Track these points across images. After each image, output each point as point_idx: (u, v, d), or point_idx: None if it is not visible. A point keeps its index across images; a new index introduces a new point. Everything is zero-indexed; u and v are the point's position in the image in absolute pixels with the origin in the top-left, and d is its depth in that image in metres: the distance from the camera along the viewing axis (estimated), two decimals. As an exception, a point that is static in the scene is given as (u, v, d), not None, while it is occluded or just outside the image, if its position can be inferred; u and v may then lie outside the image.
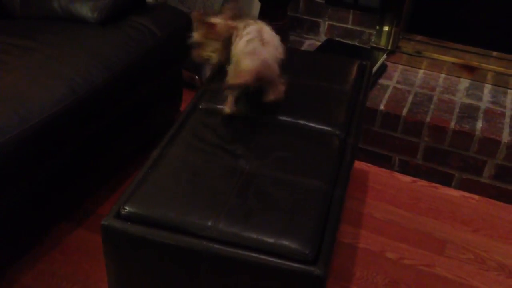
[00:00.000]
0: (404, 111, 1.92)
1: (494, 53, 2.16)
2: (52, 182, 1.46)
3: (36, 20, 1.68)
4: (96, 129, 1.54)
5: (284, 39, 2.25)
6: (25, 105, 1.28)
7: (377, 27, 2.22)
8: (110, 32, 1.63)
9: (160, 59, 1.76)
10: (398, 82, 2.09)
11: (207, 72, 2.37)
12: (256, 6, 2.38)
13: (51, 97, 1.34)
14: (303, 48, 2.30)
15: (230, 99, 1.36)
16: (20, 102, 1.28)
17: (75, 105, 1.38)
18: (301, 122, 1.39)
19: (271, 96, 1.34)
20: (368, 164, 2.02)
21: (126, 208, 1.06)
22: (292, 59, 1.68)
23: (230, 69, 1.30)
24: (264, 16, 2.17)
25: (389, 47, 2.22)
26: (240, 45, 1.27)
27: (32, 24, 1.65)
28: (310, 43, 2.34)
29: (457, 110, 1.95)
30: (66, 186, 1.54)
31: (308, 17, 2.35)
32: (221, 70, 1.59)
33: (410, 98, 2.00)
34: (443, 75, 2.16)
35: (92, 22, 1.65)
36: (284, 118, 1.39)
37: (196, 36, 1.34)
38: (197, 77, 2.34)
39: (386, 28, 2.21)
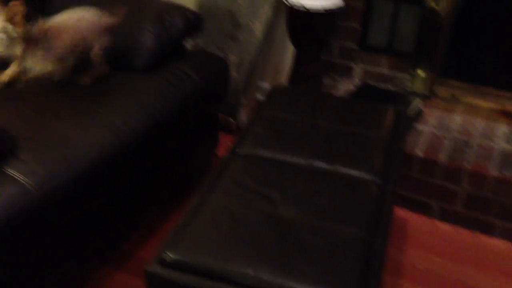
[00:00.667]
0: (442, 157, 1.90)
1: (533, 99, 2.13)
2: (92, 224, 1.48)
3: (82, 67, 1.75)
4: (136, 172, 1.57)
5: (317, 83, 2.28)
6: (73, 151, 1.32)
7: (412, 72, 2.23)
8: (152, 79, 1.68)
9: (199, 104, 1.80)
10: (434, 127, 2.08)
11: (243, 115, 2.41)
12: (290, 50, 2.42)
13: (97, 143, 1.38)
14: (336, 92, 2.32)
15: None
16: (67, 148, 1.32)
17: (118, 151, 1.42)
18: (339, 168, 1.39)
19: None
20: (406, 211, 1.99)
21: (169, 254, 1.07)
22: (327, 105, 1.71)
23: None
24: (298, 60, 2.21)
25: (424, 92, 2.22)
26: None
27: (78, 71, 1.72)
28: (344, 87, 2.36)
29: (496, 156, 1.91)
30: (105, 227, 1.56)
31: (341, 61, 2.37)
32: (260, 116, 1.63)
33: (447, 144, 1.98)
34: (480, 121, 2.13)
35: (134, 69, 1.70)
36: (321, 164, 1.40)
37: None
38: (232, 120, 2.37)
39: (420, 73, 2.21)
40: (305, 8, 1.98)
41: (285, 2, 2.04)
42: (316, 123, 1.58)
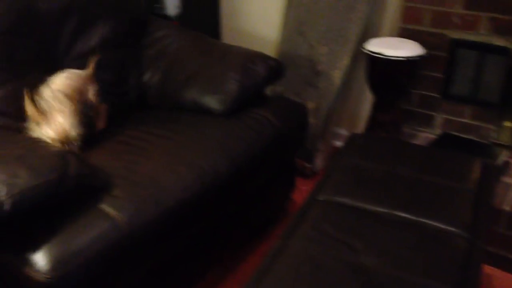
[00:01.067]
0: (532, 213, 1.79)
1: None
2: (173, 262, 1.53)
3: (170, 110, 1.85)
4: (216, 214, 1.61)
5: (396, 131, 2.26)
6: (160, 190, 1.38)
7: (497, 123, 2.15)
8: (233, 123, 1.74)
9: (279, 149, 1.83)
10: (523, 181, 1.97)
11: (319, 161, 2.41)
12: (368, 97, 2.42)
13: (182, 183, 1.43)
14: (415, 141, 2.27)
15: None
16: (155, 187, 1.39)
17: (202, 192, 1.47)
18: (423, 220, 1.35)
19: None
20: (492, 268, 1.88)
21: (251, 298, 1.08)
22: (407, 153, 1.68)
23: None
24: (376, 107, 2.21)
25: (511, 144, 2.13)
26: None
27: (167, 114, 1.82)
28: (424, 136, 2.32)
29: None
30: (184, 266, 1.60)
31: (421, 110, 2.34)
32: (339, 163, 1.63)
33: (538, 199, 1.87)
34: None
35: (218, 113, 1.77)
36: (405, 214, 1.37)
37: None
38: (308, 165, 2.38)
39: (507, 124, 2.13)
40: (386, 56, 1.99)
41: (365, 50, 2.06)
42: (396, 171, 1.56)
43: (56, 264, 1.14)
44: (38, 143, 1.38)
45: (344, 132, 2.63)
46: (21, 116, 1.59)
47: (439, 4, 2.15)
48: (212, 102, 1.78)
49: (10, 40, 1.58)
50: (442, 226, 1.32)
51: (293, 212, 2.17)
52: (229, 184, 1.58)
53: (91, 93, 1.64)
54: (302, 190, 2.29)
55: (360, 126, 2.53)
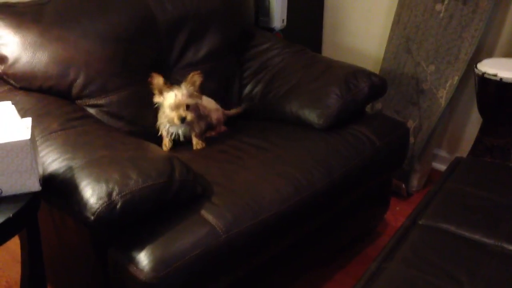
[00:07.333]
0: None
1: None
2: (260, 272, 1.53)
3: (270, 122, 1.87)
4: (308, 227, 1.60)
5: (503, 157, 2.11)
6: (257, 201, 1.40)
7: None
8: (332, 138, 1.72)
9: (376, 167, 1.78)
10: None
11: (415, 181, 2.32)
12: (474, 119, 2.30)
13: (279, 195, 1.44)
14: (526, 169, 2.11)
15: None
16: (253, 197, 1.40)
17: (298, 205, 1.47)
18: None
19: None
20: None
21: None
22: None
23: None
24: (483, 130, 2.08)
25: None
26: None
27: (266, 125, 1.84)
28: (535, 164, 2.15)
29: None
30: (270, 278, 1.61)
31: (534, 136, 2.17)
32: (443, 187, 1.55)
33: None
34: None
35: (317, 128, 1.76)
36: (516, 248, 1.28)
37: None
38: (403, 186, 2.30)
39: None
40: (500, 78, 1.87)
41: (477, 71, 1.95)
42: (505, 201, 1.46)
43: (158, 264, 1.19)
44: (146, 145, 1.45)
45: (443, 154, 2.51)
46: (134, 120, 1.69)
47: (563, 23, 1.99)
48: (312, 115, 1.77)
49: (128, 47, 1.69)
50: (560, 266, 1.21)
51: (383, 232, 2.10)
52: (325, 199, 1.57)
53: (214, 118, 1.85)
54: (395, 211, 2.22)
55: (462, 149, 2.40)
